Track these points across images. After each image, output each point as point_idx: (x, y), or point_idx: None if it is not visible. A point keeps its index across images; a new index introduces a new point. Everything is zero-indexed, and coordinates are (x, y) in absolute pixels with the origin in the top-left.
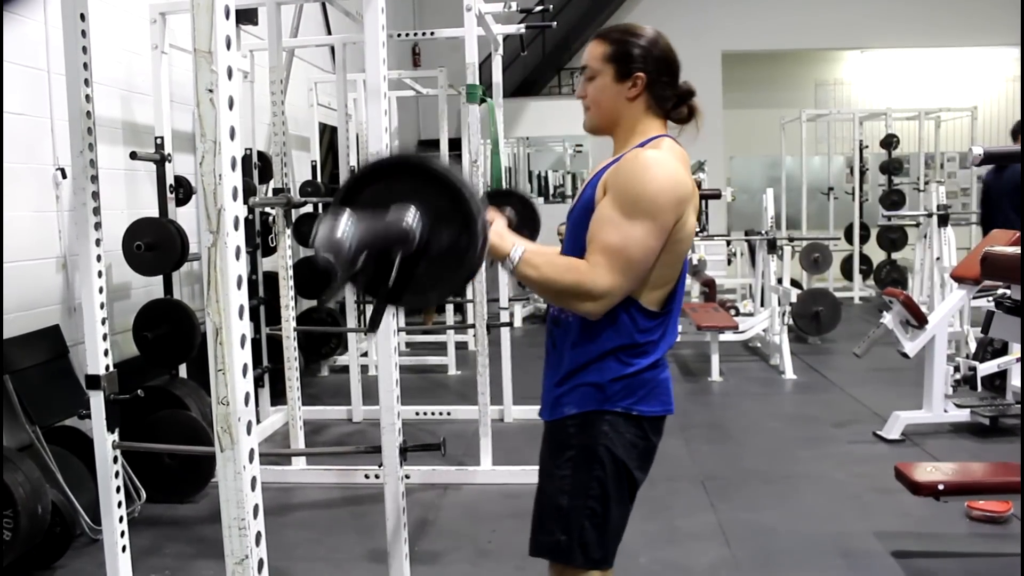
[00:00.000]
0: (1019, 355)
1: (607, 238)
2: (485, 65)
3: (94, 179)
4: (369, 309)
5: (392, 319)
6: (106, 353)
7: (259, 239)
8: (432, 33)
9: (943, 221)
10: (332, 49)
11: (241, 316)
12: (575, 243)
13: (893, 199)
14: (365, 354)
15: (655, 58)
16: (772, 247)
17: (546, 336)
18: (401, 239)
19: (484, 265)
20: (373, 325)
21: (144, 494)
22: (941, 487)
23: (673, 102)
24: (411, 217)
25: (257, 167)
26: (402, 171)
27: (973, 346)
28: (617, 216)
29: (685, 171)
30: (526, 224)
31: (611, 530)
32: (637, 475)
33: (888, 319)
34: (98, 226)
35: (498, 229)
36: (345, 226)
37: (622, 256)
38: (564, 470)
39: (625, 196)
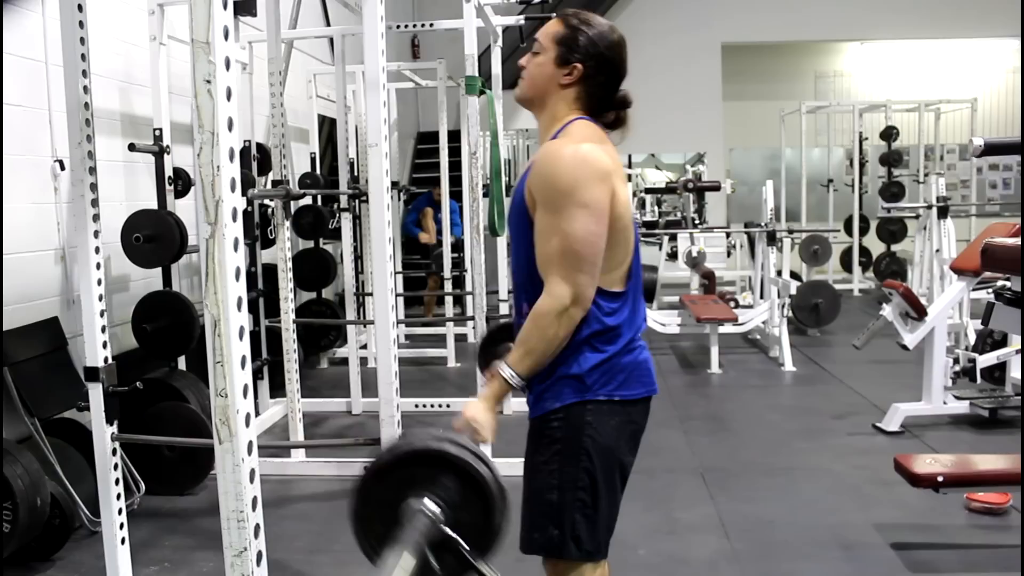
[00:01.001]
0: (1018, 347)
1: (549, 250)
2: (484, 57)
3: (92, 171)
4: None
5: (392, 311)
6: (105, 345)
7: (258, 231)
8: (431, 25)
9: (943, 213)
10: (331, 41)
11: (240, 308)
12: (517, 243)
13: (893, 191)
14: (364, 346)
15: (598, 55)
16: (771, 239)
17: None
18: (429, 534)
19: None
20: None
21: (143, 486)
22: (940, 479)
23: (604, 104)
24: (427, 506)
25: (256, 159)
26: (400, 466)
27: (972, 338)
28: (549, 220)
29: (599, 149)
30: None
31: (602, 521)
32: (626, 460)
33: (887, 311)
34: (96, 218)
35: (486, 394)
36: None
37: (569, 255)
38: (551, 465)
39: (547, 194)
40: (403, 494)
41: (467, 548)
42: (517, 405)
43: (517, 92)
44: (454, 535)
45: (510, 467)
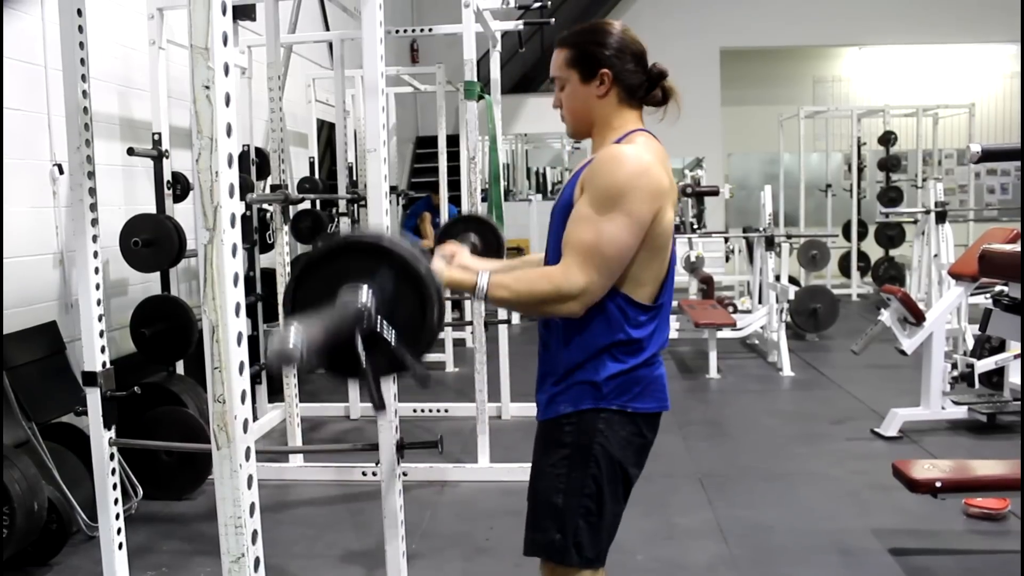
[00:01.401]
0: (1017, 352)
1: (580, 236)
2: (483, 61)
3: (91, 175)
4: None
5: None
6: (103, 350)
7: (256, 235)
8: (430, 29)
9: (941, 218)
10: (330, 45)
11: (238, 314)
12: (557, 241)
13: (891, 196)
14: None
15: (616, 50)
16: (770, 244)
17: (539, 338)
18: (357, 319)
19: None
20: (378, 404)
21: (141, 491)
22: (939, 484)
23: (645, 88)
24: (361, 295)
25: (255, 163)
26: (338, 255)
27: (971, 343)
28: (591, 213)
29: (661, 166)
30: (491, 248)
31: (605, 529)
32: (632, 472)
33: (886, 316)
34: (95, 222)
35: (461, 261)
36: (294, 336)
37: (596, 252)
38: (559, 468)
39: (598, 191)
40: (338, 283)
41: (395, 343)
42: (516, 410)
43: (568, 131)
44: (384, 327)
45: (509, 472)
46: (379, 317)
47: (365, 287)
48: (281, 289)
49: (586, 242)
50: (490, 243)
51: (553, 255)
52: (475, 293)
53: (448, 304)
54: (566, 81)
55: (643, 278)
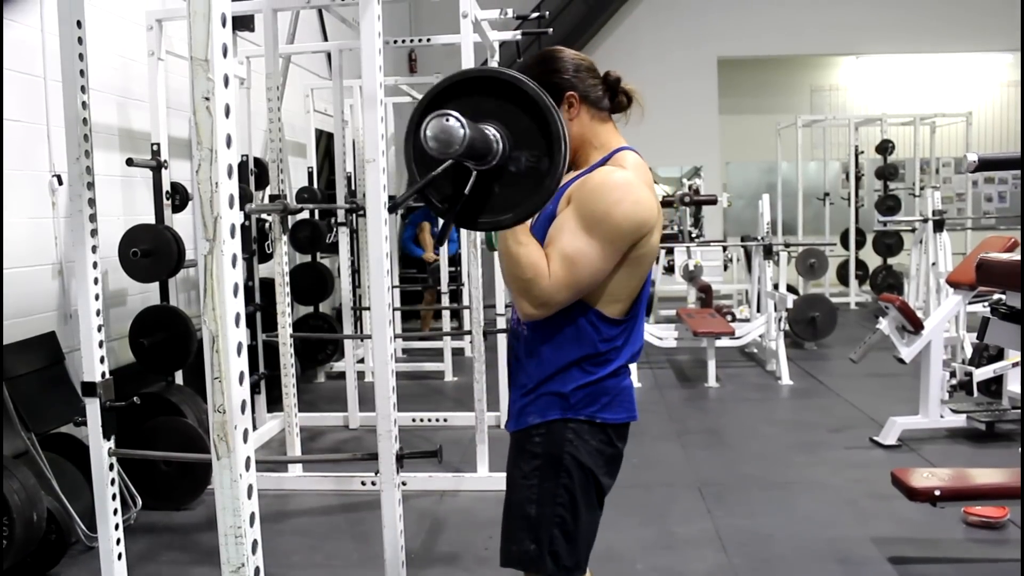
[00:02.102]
0: (1015, 360)
1: (565, 246)
2: None
3: (90, 185)
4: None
5: (389, 326)
6: (102, 360)
7: (255, 245)
8: (429, 40)
9: (939, 226)
10: (328, 55)
11: (238, 324)
12: None
13: (889, 204)
14: (361, 360)
15: (572, 71)
16: (768, 252)
17: (508, 350)
18: (484, 153)
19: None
20: (440, 241)
21: (140, 501)
22: (938, 493)
23: (608, 97)
24: (498, 134)
25: (253, 173)
26: (487, 87)
27: (969, 351)
28: (577, 227)
29: (649, 191)
30: None
31: (581, 537)
32: (604, 481)
33: (884, 324)
34: (94, 232)
35: None
36: (457, 121)
37: (573, 269)
38: (531, 479)
39: (589, 212)
40: (483, 115)
41: (469, 195)
42: None
43: None
44: (474, 175)
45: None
46: (503, 161)
47: (499, 129)
48: (279, 299)
49: (567, 253)
50: None
51: None
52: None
53: (446, 312)
54: None
55: (618, 295)
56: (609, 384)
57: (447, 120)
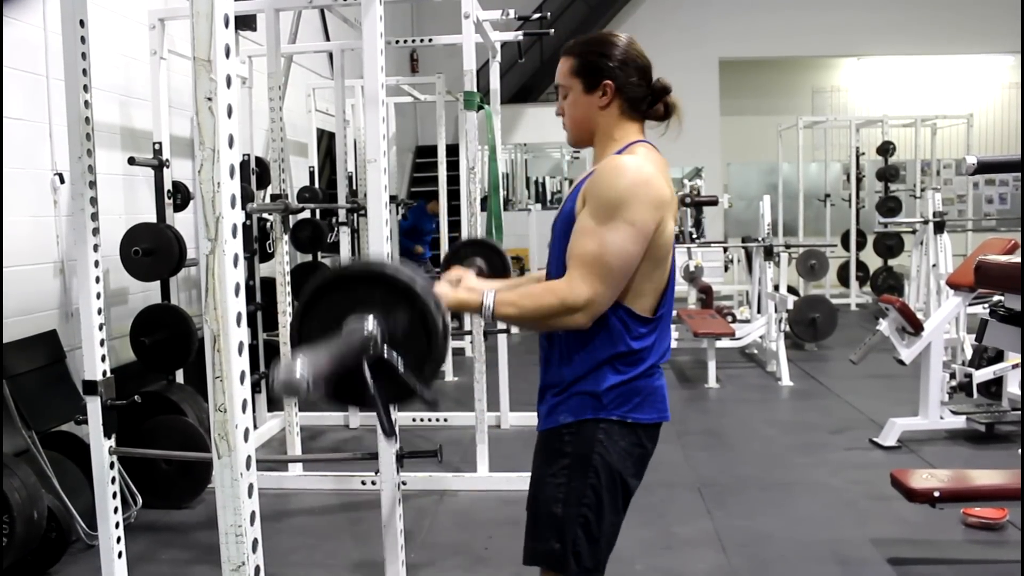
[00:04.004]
0: (1015, 361)
1: (584, 248)
2: (483, 72)
3: (92, 184)
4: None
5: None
6: (103, 358)
7: (256, 245)
8: (430, 40)
9: (939, 228)
10: (330, 55)
11: (239, 323)
12: (560, 254)
13: (889, 206)
14: None
15: (620, 62)
16: (769, 254)
17: (540, 350)
18: (364, 347)
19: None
20: (388, 431)
21: (140, 500)
22: (937, 494)
23: (648, 102)
24: (367, 323)
25: (255, 173)
26: (341, 285)
27: (969, 353)
28: (593, 224)
29: (662, 177)
30: (496, 271)
31: (604, 539)
32: (631, 483)
33: (884, 326)
34: (96, 231)
35: (467, 283)
36: (300, 366)
37: (600, 263)
38: (559, 478)
39: (600, 202)
40: (343, 313)
41: (403, 370)
42: (515, 420)
43: (568, 140)
44: (390, 354)
45: (508, 482)
46: (385, 344)
47: (371, 316)
48: (280, 298)
49: (590, 253)
50: (496, 266)
51: (555, 268)
52: (482, 312)
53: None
54: (569, 90)
55: (644, 289)
56: (641, 384)
57: (291, 374)
